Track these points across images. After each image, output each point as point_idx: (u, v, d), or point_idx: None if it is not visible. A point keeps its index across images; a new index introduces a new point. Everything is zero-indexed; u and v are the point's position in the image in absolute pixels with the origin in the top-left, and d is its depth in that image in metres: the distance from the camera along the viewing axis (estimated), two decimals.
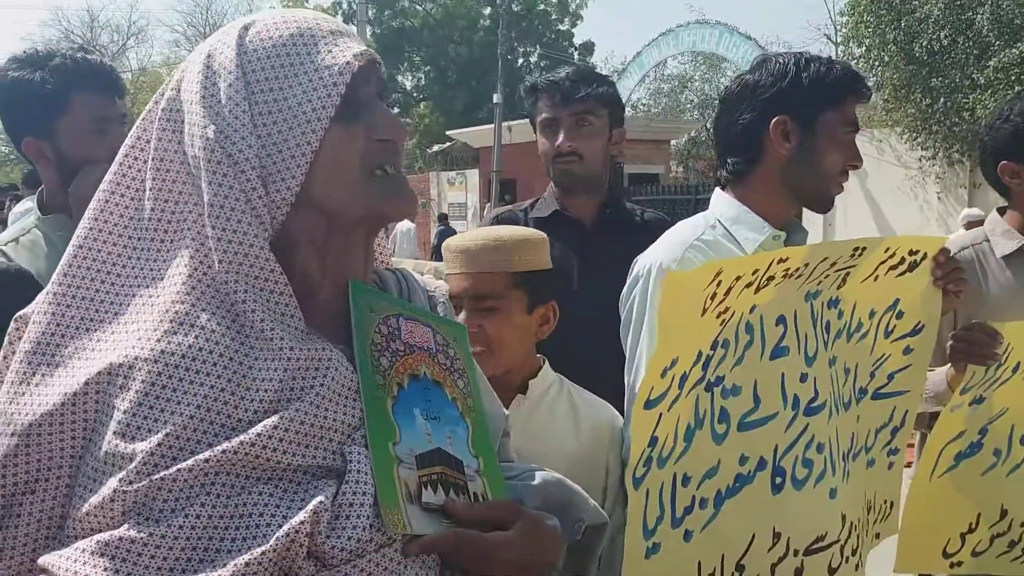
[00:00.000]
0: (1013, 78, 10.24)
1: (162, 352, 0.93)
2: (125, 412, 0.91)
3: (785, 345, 1.52)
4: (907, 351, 1.80)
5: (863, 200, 12.44)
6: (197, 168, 0.98)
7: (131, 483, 0.88)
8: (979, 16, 10.60)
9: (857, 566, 1.66)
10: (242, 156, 0.96)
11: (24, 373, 0.96)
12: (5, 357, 1.00)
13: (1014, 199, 2.22)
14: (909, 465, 1.98)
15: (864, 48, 11.95)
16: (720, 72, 21.67)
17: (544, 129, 2.35)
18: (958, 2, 10.86)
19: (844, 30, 12.76)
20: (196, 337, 0.94)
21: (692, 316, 1.32)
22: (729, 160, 1.81)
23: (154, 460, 0.88)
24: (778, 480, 1.50)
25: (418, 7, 31.58)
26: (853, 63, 11.48)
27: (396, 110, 31.30)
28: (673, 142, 17.71)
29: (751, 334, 1.46)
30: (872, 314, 1.72)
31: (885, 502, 1.83)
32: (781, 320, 1.51)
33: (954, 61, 11.03)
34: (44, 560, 0.89)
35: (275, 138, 0.97)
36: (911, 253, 1.72)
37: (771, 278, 1.44)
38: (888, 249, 1.66)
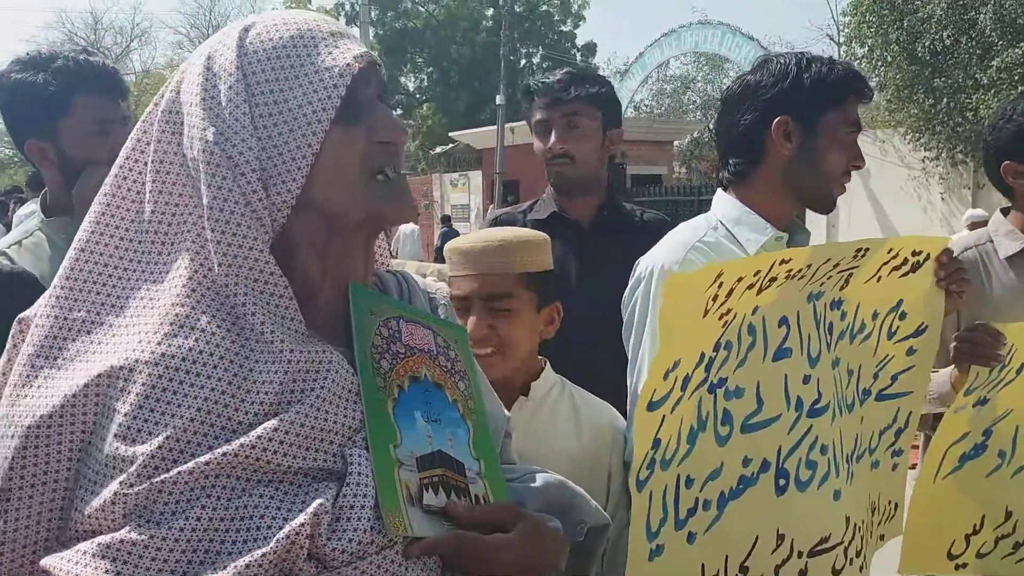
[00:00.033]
0: (1016, 78, 10.23)
1: (162, 355, 0.93)
2: (125, 415, 0.91)
3: (788, 347, 1.51)
4: (910, 352, 1.79)
5: (866, 201, 12.43)
6: (196, 171, 0.98)
7: (132, 486, 0.88)
8: (982, 16, 10.59)
9: (861, 567, 1.66)
10: (242, 158, 0.96)
11: (26, 376, 0.96)
12: (9, 359, 1.00)
13: (1017, 199, 2.22)
14: (914, 467, 1.97)
15: (867, 48, 11.94)
16: (723, 73, 21.67)
17: (537, 131, 2.36)
18: (961, 2, 10.85)
19: (846, 30, 12.76)
20: (196, 340, 0.94)
21: (694, 318, 1.32)
22: (731, 161, 1.81)
23: (155, 463, 0.89)
24: (782, 482, 1.50)
25: (421, 8, 31.60)
26: (856, 63, 11.48)
27: (399, 111, 31.35)
28: (676, 143, 17.72)
29: (753, 336, 1.46)
30: (875, 315, 1.72)
31: (889, 503, 1.83)
32: (784, 321, 1.51)
33: (957, 61, 11.02)
34: (45, 562, 0.89)
35: (275, 140, 0.97)
36: (914, 254, 1.71)
37: (773, 279, 1.44)
38: (891, 250, 1.66)
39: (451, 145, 23.49)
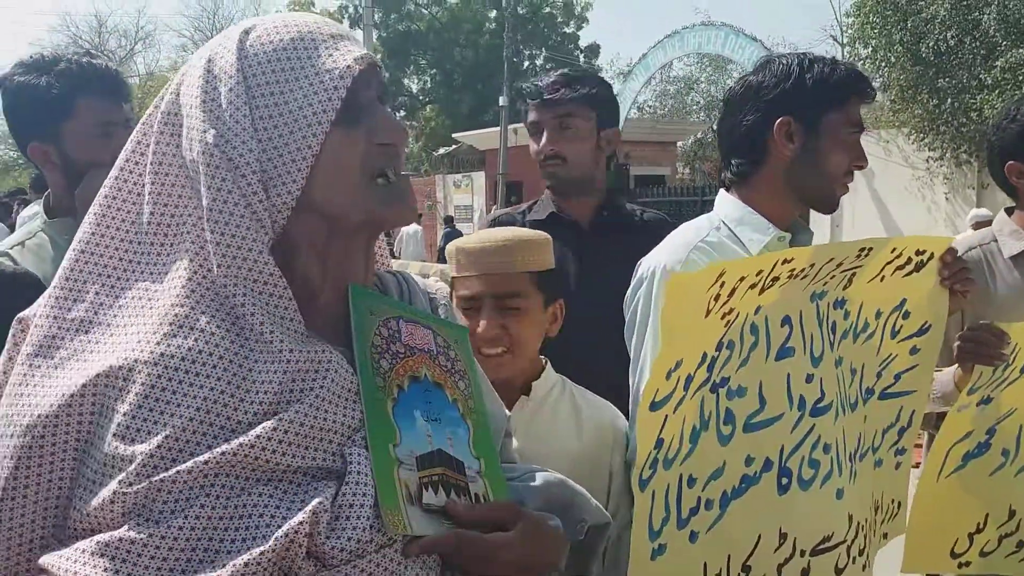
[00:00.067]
0: (1021, 78, 10.22)
1: (161, 355, 0.94)
2: (124, 414, 0.91)
3: (791, 346, 1.51)
4: (914, 351, 1.79)
5: (870, 201, 12.42)
6: (196, 172, 0.99)
7: (131, 485, 0.88)
8: (986, 16, 10.58)
9: (864, 566, 1.66)
10: (243, 160, 0.96)
11: (25, 375, 0.96)
12: (10, 359, 1.01)
13: (1021, 199, 2.22)
14: (917, 466, 1.97)
15: (870, 49, 11.93)
16: (726, 74, 21.67)
17: (531, 133, 2.37)
18: (964, 2, 10.84)
19: (850, 31, 12.75)
20: (196, 340, 0.94)
21: (696, 318, 1.32)
22: (733, 161, 1.81)
23: (153, 462, 0.89)
24: (784, 481, 1.49)
25: (424, 11, 31.64)
26: (859, 64, 11.47)
27: (402, 113, 31.40)
28: (679, 144, 17.72)
29: (756, 335, 1.46)
30: (878, 314, 1.71)
31: (892, 502, 1.83)
32: (786, 321, 1.51)
33: (961, 61, 11.00)
34: (44, 560, 0.89)
35: (276, 142, 0.97)
36: (918, 253, 1.71)
37: (776, 279, 1.44)
38: (894, 249, 1.66)
39: (454, 146, 23.52)
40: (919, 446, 1.88)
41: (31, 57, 1.93)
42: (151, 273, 1.00)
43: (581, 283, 1.79)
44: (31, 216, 2.79)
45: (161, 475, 0.88)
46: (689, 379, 1.34)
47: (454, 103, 30.80)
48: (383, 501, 0.93)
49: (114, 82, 1.91)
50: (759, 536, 1.47)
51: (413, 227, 17.16)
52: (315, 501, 0.90)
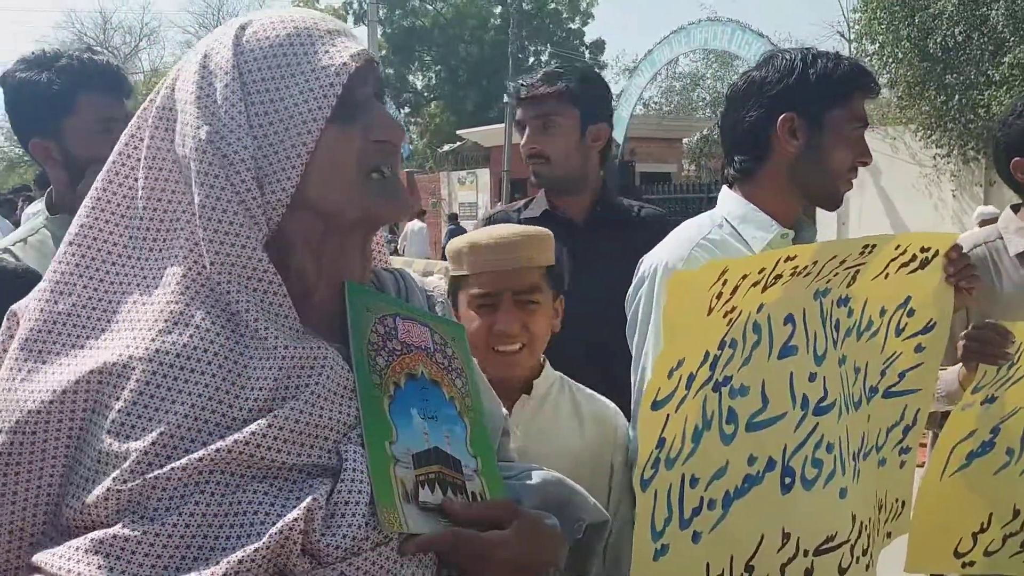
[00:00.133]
0: None
1: (156, 351, 0.93)
2: (119, 411, 0.91)
3: (794, 344, 1.50)
4: (919, 349, 1.78)
5: (877, 198, 12.38)
6: (188, 169, 0.98)
7: (125, 482, 0.88)
8: (994, 12, 10.52)
9: (868, 566, 1.65)
10: (237, 157, 0.96)
11: (12, 369, 0.96)
12: (4, 351, 1.00)
13: None
14: (921, 465, 1.96)
15: (877, 45, 11.88)
16: (732, 70, 21.59)
17: (518, 131, 2.37)
18: None
19: (857, 27, 12.69)
20: (191, 336, 0.94)
21: (698, 316, 1.31)
22: (736, 158, 1.80)
23: (148, 459, 0.89)
24: (787, 480, 1.49)
25: (429, 7, 31.64)
26: (866, 60, 11.42)
27: (407, 109, 31.39)
28: (685, 140, 17.67)
29: (759, 333, 1.45)
30: (883, 312, 1.70)
31: (896, 501, 1.82)
32: (789, 319, 1.50)
33: (969, 57, 10.95)
34: (37, 558, 0.89)
35: (271, 139, 0.97)
36: (922, 250, 1.70)
37: (778, 277, 1.43)
38: (899, 246, 1.65)
39: (459, 143, 23.50)
40: (923, 445, 1.87)
41: (33, 53, 1.93)
42: (145, 269, 1.00)
43: (575, 280, 1.78)
44: (35, 213, 2.79)
45: (155, 472, 0.88)
46: (691, 378, 1.33)
47: (459, 99, 30.80)
48: (379, 499, 0.93)
49: (115, 78, 1.91)
50: (762, 536, 1.46)
51: (417, 224, 17.16)
52: (310, 498, 0.90)
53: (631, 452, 1.66)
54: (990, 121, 9.97)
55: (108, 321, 0.97)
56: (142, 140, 1.03)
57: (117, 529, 0.87)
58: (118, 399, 0.92)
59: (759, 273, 1.38)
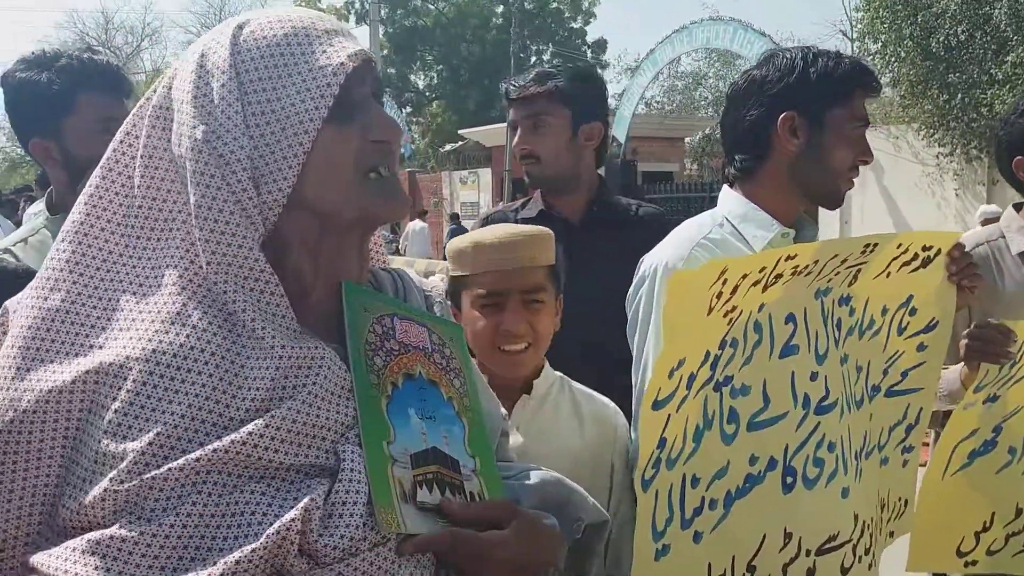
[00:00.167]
0: None
1: (153, 351, 0.93)
2: (116, 411, 0.91)
3: (795, 343, 1.50)
4: (921, 348, 1.77)
5: (880, 197, 12.36)
6: (184, 168, 0.98)
7: (122, 482, 0.88)
8: (996, 11, 10.50)
9: (870, 565, 1.64)
10: (233, 157, 0.96)
11: (6, 367, 0.95)
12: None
13: None
14: (924, 464, 1.95)
15: (880, 44, 11.85)
16: (734, 69, 21.56)
17: (510, 131, 2.36)
18: None
19: (860, 26, 12.67)
20: (188, 336, 0.94)
21: (698, 316, 1.31)
22: (737, 157, 1.80)
23: (145, 459, 0.88)
24: (789, 480, 1.48)
25: (430, 6, 31.66)
26: (869, 59, 11.40)
27: (408, 109, 31.38)
28: (687, 139, 17.65)
29: (760, 333, 1.45)
30: (885, 311, 1.70)
31: (899, 500, 1.81)
32: (790, 318, 1.50)
33: (971, 56, 10.92)
34: (34, 559, 0.89)
35: (267, 139, 0.97)
36: (924, 249, 1.69)
37: (779, 276, 1.42)
38: (901, 245, 1.64)
39: (461, 143, 23.50)
40: (925, 444, 1.86)
41: (33, 53, 1.93)
42: (138, 267, 1.00)
43: (571, 280, 1.78)
44: (36, 213, 2.79)
45: (152, 473, 0.88)
46: (692, 378, 1.33)
47: (460, 99, 30.80)
48: (377, 499, 0.93)
49: (115, 78, 1.91)
50: (764, 536, 1.46)
51: (419, 224, 17.16)
52: (307, 499, 0.90)
53: (632, 452, 1.66)
54: (993, 120, 9.95)
55: (102, 319, 0.97)
56: (138, 138, 1.03)
57: (114, 530, 0.87)
58: (115, 399, 0.91)
59: (760, 272, 1.38)
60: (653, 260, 1.73)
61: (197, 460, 0.88)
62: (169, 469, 0.88)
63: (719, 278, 1.30)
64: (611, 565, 1.55)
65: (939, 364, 1.82)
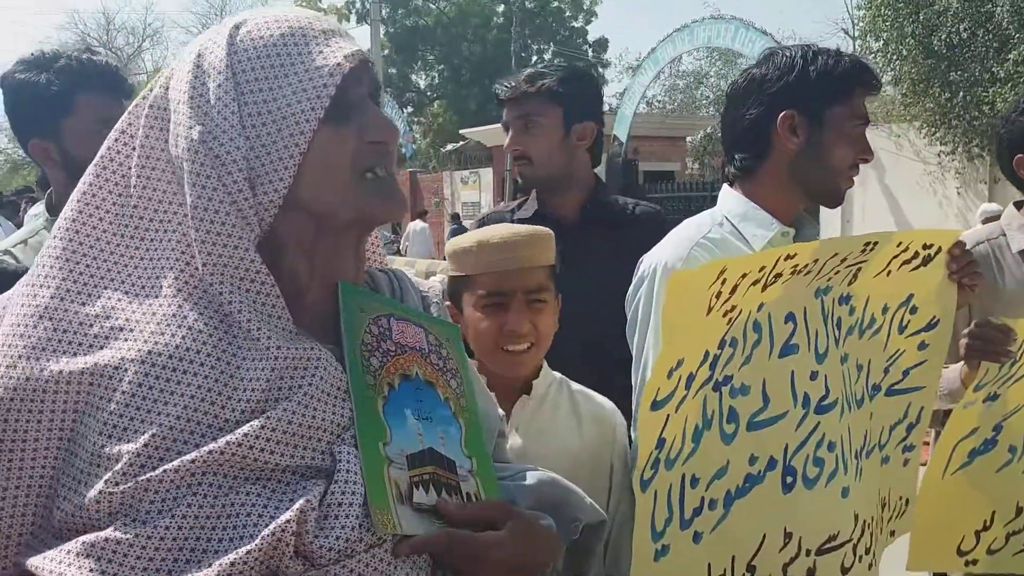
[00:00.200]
0: None
1: (149, 353, 0.93)
2: (111, 413, 0.91)
3: (795, 343, 1.50)
4: (922, 346, 1.77)
5: (881, 196, 12.34)
6: (181, 169, 0.98)
7: (117, 484, 0.88)
8: (999, 9, 10.48)
9: (870, 565, 1.64)
10: (229, 157, 0.96)
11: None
12: None
13: None
14: (925, 463, 1.95)
15: (882, 42, 11.83)
16: (736, 68, 21.54)
17: (504, 132, 2.36)
18: None
19: (861, 24, 12.65)
20: (183, 337, 0.94)
21: (697, 316, 1.30)
22: (736, 156, 1.79)
23: (140, 461, 0.88)
24: (789, 479, 1.48)
25: (432, 6, 31.65)
26: (871, 57, 11.38)
27: (410, 109, 31.36)
28: (689, 139, 17.64)
29: (759, 332, 1.44)
30: (885, 309, 1.69)
31: (900, 499, 1.81)
32: (790, 317, 1.49)
33: (973, 54, 10.90)
34: (31, 563, 0.89)
35: (263, 139, 0.97)
36: (925, 247, 1.69)
37: (779, 275, 1.42)
38: (901, 243, 1.64)
39: (462, 143, 23.48)
40: (925, 443, 1.86)
41: (32, 54, 1.93)
42: (130, 266, 1.00)
43: (565, 280, 1.78)
44: (36, 214, 2.79)
45: (148, 474, 0.88)
46: (691, 378, 1.33)
47: (462, 99, 30.79)
48: (372, 500, 0.93)
49: (114, 78, 1.91)
50: (764, 536, 1.45)
51: (420, 224, 17.16)
52: (302, 500, 0.89)
53: (632, 452, 1.65)
54: (995, 118, 9.93)
55: (90, 316, 0.96)
56: (133, 137, 1.03)
57: (109, 532, 0.87)
58: (110, 400, 0.91)
59: (759, 272, 1.38)
60: (652, 260, 1.73)
61: (192, 462, 0.88)
62: (164, 471, 0.88)
63: (718, 278, 1.30)
64: (610, 565, 1.55)
65: (940, 362, 1.81)
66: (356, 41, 1.05)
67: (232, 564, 0.85)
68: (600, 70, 31.15)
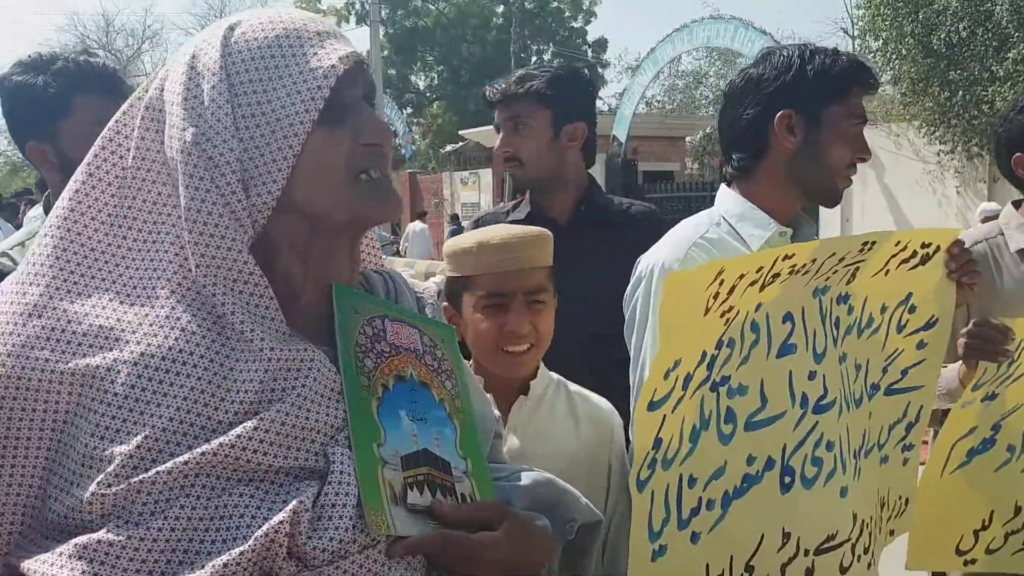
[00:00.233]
0: None
1: (142, 354, 0.93)
2: (104, 414, 0.91)
3: (792, 343, 1.49)
4: (921, 345, 1.77)
5: (880, 195, 12.34)
6: (175, 171, 0.98)
7: (110, 486, 0.88)
8: (998, 7, 10.48)
9: (869, 564, 1.64)
10: (223, 159, 0.96)
11: None
12: None
13: None
14: (923, 463, 1.95)
15: (881, 41, 11.83)
16: (735, 67, 21.53)
17: (496, 134, 2.36)
18: None
19: (861, 23, 12.65)
20: (176, 339, 0.94)
21: (695, 316, 1.30)
22: (734, 156, 1.79)
23: (133, 463, 0.88)
24: (787, 479, 1.48)
25: (431, 7, 31.65)
26: (870, 57, 11.38)
27: (409, 110, 31.37)
28: (688, 139, 17.64)
29: (757, 332, 1.44)
30: (884, 309, 1.69)
31: (900, 498, 1.81)
32: (788, 317, 1.49)
33: (973, 53, 10.90)
34: (24, 566, 0.88)
35: (257, 141, 0.97)
36: (923, 246, 1.69)
37: (776, 275, 1.42)
38: (899, 242, 1.64)
39: (461, 143, 23.47)
40: (924, 443, 1.86)
41: (29, 56, 1.93)
42: (122, 267, 0.99)
43: (558, 281, 1.79)
44: (35, 216, 2.80)
45: (140, 476, 0.88)
46: (688, 378, 1.33)
47: (461, 100, 30.78)
48: (367, 501, 0.92)
49: (111, 80, 1.91)
50: (762, 536, 1.45)
51: (419, 225, 17.15)
52: (295, 501, 0.89)
53: (630, 453, 1.65)
54: (994, 117, 9.91)
55: (84, 316, 0.96)
56: (127, 138, 1.03)
57: (102, 534, 0.86)
58: (102, 402, 0.91)
59: (757, 272, 1.37)
60: (650, 261, 1.72)
61: (185, 463, 0.88)
62: (157, 472, 0.88)
63: (716, 279, 1.29)
64: (608, 565, 1.55)
65: (939, 361, 1.81)
66: (351, 43, 1.04)
67: (225, 565, 0.85)
68: (599, 70, 31.17)
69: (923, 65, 11.37)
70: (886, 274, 1.65)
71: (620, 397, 1.75)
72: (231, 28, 1.01)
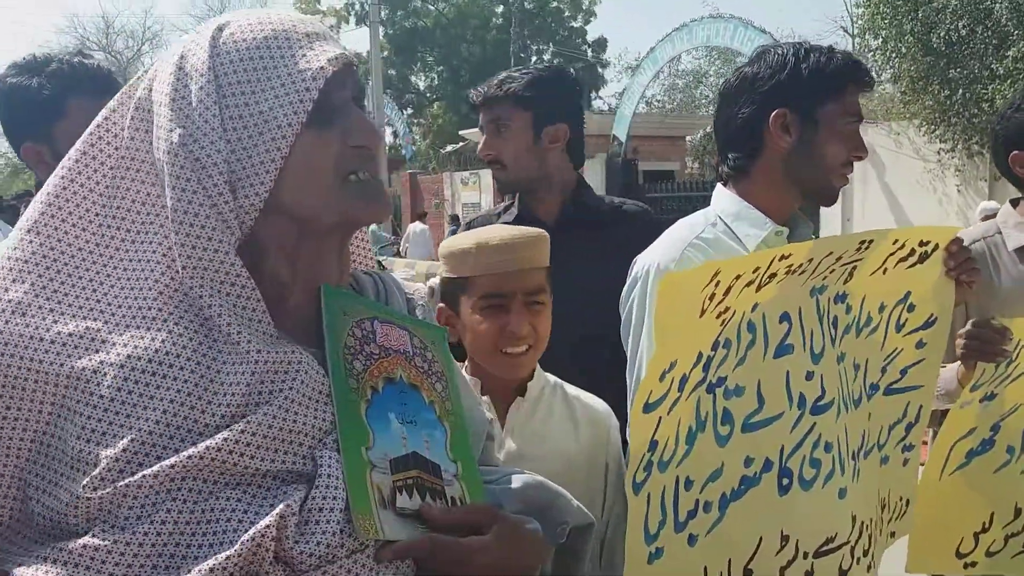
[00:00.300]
0: None
1: (128, 356, 0.92)
2: (89, 417, 0.90)
3: (789, 343, 1.48)
4: (920, 345, 1.76)
5: (881, 193, 12.34)
6: (162, 172, 0.97)
7: (95, 489, 0.87)
8: (998, 6, 10.47)
9: (869, 567, 1.63)
10: (210, 160, 0.95)
11: None
12: None
13: None
14: (923, 464, 1.94)
15: (881, 40, 11.83)
16: (735, 67, 21.55)
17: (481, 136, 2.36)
18: None
19: (860, 22, 12.65)
20: (163, 341, 0.93)
21: (690, 317, 1.29)
22: (730, 155, 1.78)
23: (119, 466, 0.87)
24: (785, 481, 1.47)
25: (431, 7, 31.67)
26: (870, 55, 11.37)
27: (409, 110, 31.38)
28: (688, 138, 17.65)
29: (753, 333, 1.43)
30: (882, 308, 1.68)
31: (900, 499, 1.80)
32: (785, 317, 1.48)
33: (972, 51, 10.90)
34: (15, 573, 0.88)
35: (245, 143, 0.96)
36: (921, 244, 1.68)
37: (773, 275, 1.41)
38: (897, 241, 1.63)
39: (461, 144, 23.47)
40: (924, 443, 1.85)
41: (24, 58, 1.93)
42: (109, 267, 0.98)
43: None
44: None
45: (126, 480, 0.87)
46: (684, 379, 1.32)
47: (461, 100, 30.64)
48: (354, 505, 0.91)
49: (106, 82, 1.90)
50: (760, 538, 1.44)
51: (419, 226, 17.16)
52: (282, 505, 0.88)
53: (627, 455, 1.65)
54: (994, 115, 9.89)
55: (69, 315, 0.95)
56: (116, 136, 1.02)
57: (87, 539, 0.86)
58: (88, 404, 0.90)
59: (753, 272, 1.37)
60: (645, 261, 1.72)
61: (172, 467, 0.87)
62: (143, 476, 0.87)
63: (711, 280, 1.29)
64: (606, 566, 1.54)
65: (938, 361, 1.80)
66: (341, 44, 1.04)
67: (211, 570, 0.84)
68: (599, 70, 31.19)
69: (923, 63, 11.37)
70: (884, 273, 1.65)
71: (611, 398, 1.75)
72: (220, 29, 1.00)
